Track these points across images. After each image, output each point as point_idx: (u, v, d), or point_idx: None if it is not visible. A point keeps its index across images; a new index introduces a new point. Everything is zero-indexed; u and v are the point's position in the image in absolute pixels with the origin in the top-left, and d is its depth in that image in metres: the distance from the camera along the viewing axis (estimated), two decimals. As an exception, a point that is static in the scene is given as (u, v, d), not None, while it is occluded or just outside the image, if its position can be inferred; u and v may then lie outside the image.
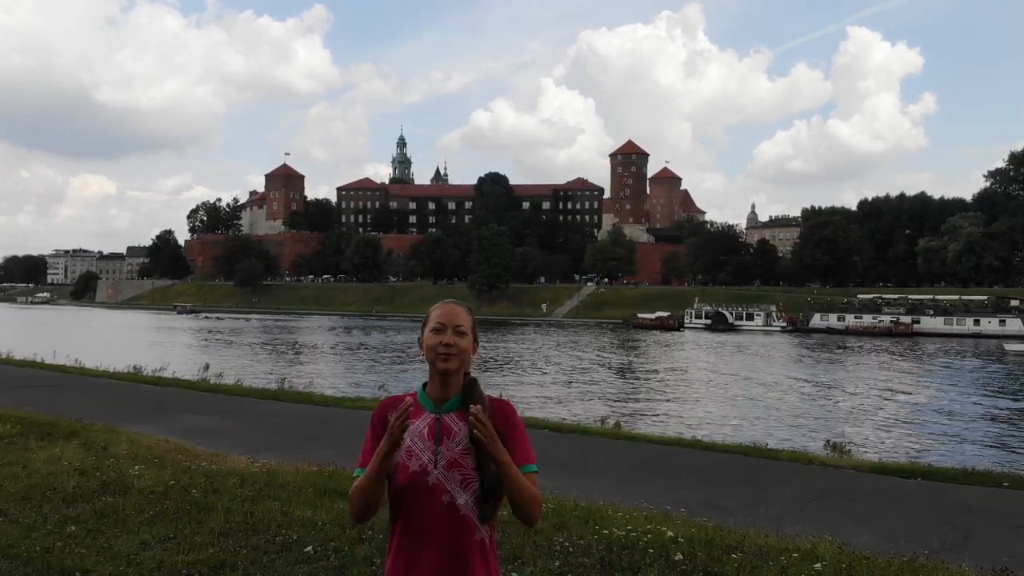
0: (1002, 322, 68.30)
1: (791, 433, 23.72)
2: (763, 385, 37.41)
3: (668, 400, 31.97)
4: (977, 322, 69.10)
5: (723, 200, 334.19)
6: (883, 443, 22.84)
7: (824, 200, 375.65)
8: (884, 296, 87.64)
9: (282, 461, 8.44)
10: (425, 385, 2.27)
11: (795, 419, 26.93)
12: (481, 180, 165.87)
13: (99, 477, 5.87)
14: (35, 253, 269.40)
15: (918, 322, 76.97)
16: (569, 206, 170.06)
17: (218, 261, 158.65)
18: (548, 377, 40.14)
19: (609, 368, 45.82)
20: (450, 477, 2.10)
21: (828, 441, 13.38)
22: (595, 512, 5.48)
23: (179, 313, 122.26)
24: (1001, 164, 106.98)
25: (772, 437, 22.70)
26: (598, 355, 54.60)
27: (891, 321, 77.36)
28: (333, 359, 50.96)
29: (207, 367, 20.78)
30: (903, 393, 35.07)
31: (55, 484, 5.69)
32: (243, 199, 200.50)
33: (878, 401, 32.42)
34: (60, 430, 8.35)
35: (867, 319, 78.63)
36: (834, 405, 31.29)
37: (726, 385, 37.50)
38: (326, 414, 13.76)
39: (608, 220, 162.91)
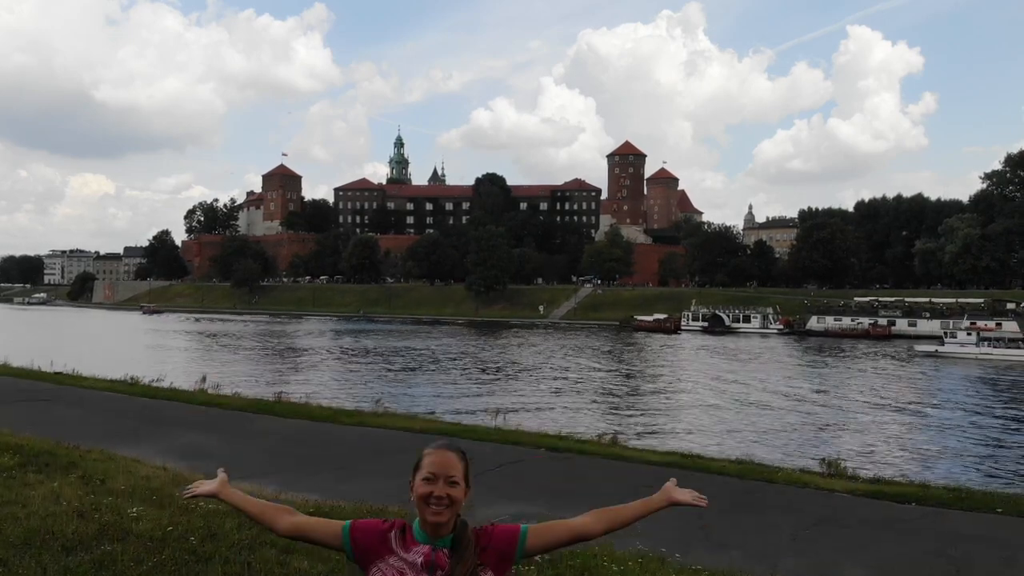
0: (997, 325, 68.45)
1: (786, 445, 23.87)
2: (759, 393, 37.52)
3: (666, 410, 32.04)
4: (973, 324, 69.18)
5: (723, 200, 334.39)
6: (876, 455, 23.07)
7: (824, 200, 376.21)
8: (880, 299, 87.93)
9: (280, 491, 8.48)
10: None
11: (790, 429, 27.09)
12: (479, 181, 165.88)
13: (98, 519, 5.90)
14: (32, 253, 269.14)
15: (914, 325, 77.76)
16: (567, 207, 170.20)
17: (215, 262, 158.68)
18: (547, 383, 40.20)
19: (608, 374, 45.89)
20: None
21: (824, 459, 13.41)
22: (590, 561, 5.51)
23: (145, 313, 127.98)
24: (998, 165, 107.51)
25: (767, 449, 22.89)
26: (597, 360, 54.63)
27: (870, 324, 79.63)
28: (330, 364, 50.93)
29: (204, 379, 20.75)
30: (891, 400, 35.48)
31: (54, 527, 5.71)
32: (244, 198, 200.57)
33: (870, 409, 32.71)
34: (58, 459, 8.37)
35: (847, 321, 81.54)
36: (829, 413, 31.53)
37: (723, 393, 37.60)
38: (323, 432, 13.80)
39: (605, 221, 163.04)
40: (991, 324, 67.20)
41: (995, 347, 56.60)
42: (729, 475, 10.82)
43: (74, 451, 9.19)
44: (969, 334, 59.87)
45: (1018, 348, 55.82)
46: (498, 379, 42.42)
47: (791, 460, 19.74)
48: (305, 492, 8.94)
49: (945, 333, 62.44)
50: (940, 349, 58.12)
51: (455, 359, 52.94)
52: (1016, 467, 21.69)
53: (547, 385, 39.62)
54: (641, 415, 30.48)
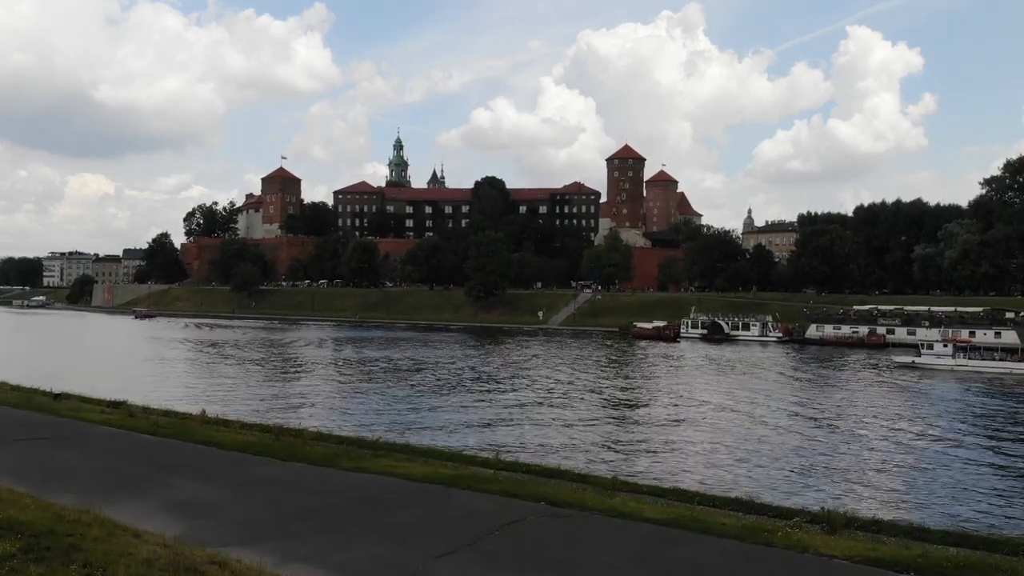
0: (997, 334, 68.50)
1: (780, 474, 23.90)
2: (756, 415, 37.53)
3: (665, 433, 32.02)
4: (972, 334, 69.20)
5: (723, 200, 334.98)
6: (867, 479, 23.17)
7: (824, 200, 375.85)
8: (880, 307, 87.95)
9: (280, 563, 8.50)
10: None
11: (782, 456, 27.17)
12: (478, 184, 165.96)
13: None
14: (31, 254, 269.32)
15: (913, 334, 77.93)
16: (566, 210, 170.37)
17: (214, 265, 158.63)
18: (547, 399, 40.17)
19: (607, 390, 45.86)
20: None
21: (823, 508, 13.43)
22: None
23: (137, 317, 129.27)
24: (997, 171, 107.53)
25: (763, 478, 22.92)
26: (597, 373, 54.57)
27: (866, 333, 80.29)
28: (327, 379, 50.90)
29: (203, 411, 20.79)
30: (878, 419, 35.65)
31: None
32: (243, 198, 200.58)
33: (859, 432, 32.87)
34: (59, 541, 8.37)
35: (844, 329, 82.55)
36: (820, 435, 31.66)
37: (720, 414, 37.62)
38: (322, 480, 13.80)
39: (605, 224, 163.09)
40: (965, 334, 67.48)
41: (971, 358, 57.18)
42: (728, 536, 10.84)
43: (75, 527, 9.18)
44: (945, 345, 60.24)
45: (993, 359, 56.40)
46: (497, 394, 42.39)
47: (788, 496, 19.82)
48: (302, 564, 8.97)
49: (921, 344, 62.96)
50: (917, 360, 58.62)
51: (453, 372, 52.90)
52: (992, 486, 21.94)
53: (546, 401, 39.60)
54: (641, 436, 30.49)
